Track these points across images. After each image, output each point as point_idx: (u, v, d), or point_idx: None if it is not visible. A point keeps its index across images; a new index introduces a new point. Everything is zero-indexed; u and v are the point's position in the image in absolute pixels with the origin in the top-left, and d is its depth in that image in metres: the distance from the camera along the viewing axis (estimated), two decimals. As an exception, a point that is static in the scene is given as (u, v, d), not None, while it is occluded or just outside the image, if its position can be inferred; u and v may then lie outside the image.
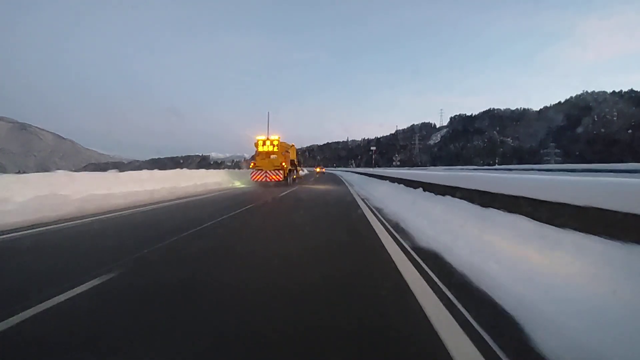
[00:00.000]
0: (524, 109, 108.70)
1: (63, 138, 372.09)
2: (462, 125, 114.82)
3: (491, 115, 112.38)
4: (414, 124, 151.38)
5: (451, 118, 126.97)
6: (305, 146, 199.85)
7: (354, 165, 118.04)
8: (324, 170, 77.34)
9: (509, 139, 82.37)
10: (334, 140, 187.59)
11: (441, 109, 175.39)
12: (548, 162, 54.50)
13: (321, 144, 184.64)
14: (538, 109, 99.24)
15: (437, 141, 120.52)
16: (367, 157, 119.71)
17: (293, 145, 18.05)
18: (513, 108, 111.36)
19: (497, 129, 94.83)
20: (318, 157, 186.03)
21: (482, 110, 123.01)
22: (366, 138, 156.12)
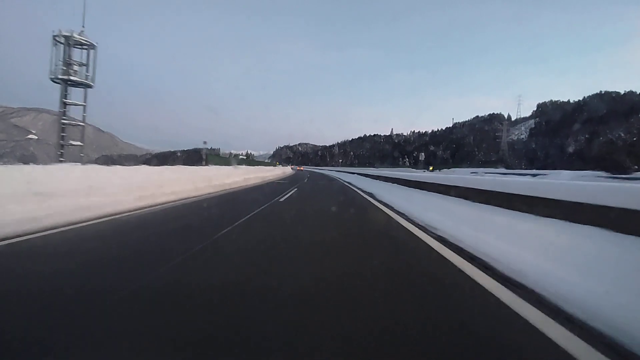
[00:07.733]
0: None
1: (102, 131, 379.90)
2: (560, 115, 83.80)
3: (608, 100, 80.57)
4: (478, 116, 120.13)
5: (538, 105, 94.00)
6: (338, 142, 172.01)
7: (408, 164, 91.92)
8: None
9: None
10: (373, 133, 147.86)
11: (519, 96, 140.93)
12: None
13: (354, 137, 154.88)
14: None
15: (521, 136, 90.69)
16: (427, 154, 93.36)
17: None
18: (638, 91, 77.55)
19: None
20: (352, 153, 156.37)
21: (586, 94, 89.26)
22: (416, 131, 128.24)
